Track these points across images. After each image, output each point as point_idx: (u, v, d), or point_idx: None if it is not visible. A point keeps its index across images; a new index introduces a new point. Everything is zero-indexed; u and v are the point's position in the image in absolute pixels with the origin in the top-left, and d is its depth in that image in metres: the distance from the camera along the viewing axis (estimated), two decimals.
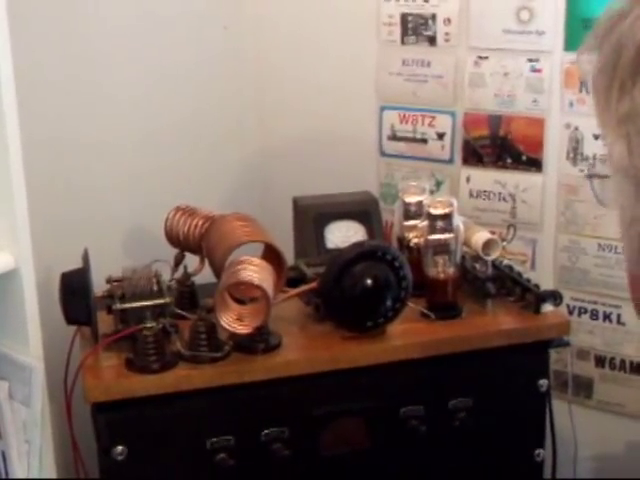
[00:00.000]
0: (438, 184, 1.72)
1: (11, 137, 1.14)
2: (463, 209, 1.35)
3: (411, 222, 1.41)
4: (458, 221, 1.33)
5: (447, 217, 1.32)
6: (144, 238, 1.61)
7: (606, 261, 1.58)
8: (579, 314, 1.62)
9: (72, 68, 1.53)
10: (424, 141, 1.72)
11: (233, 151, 1.81)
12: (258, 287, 1.20)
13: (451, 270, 1.33)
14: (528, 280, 1.39)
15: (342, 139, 1.78)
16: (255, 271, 1.21)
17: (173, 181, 1.68)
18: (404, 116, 1.73)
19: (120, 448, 1.20)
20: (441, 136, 1.70)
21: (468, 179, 1.69)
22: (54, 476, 1.25)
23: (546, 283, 1.54)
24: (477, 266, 1.40)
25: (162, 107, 1.68)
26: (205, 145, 1.76)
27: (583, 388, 1.64)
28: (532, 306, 1.35)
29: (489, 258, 1.37)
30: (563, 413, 1.48)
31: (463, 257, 1.38)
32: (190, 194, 1.51)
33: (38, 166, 1.28)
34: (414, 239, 1.39)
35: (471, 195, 1.69)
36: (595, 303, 1.61)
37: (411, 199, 1.43)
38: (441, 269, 1.33)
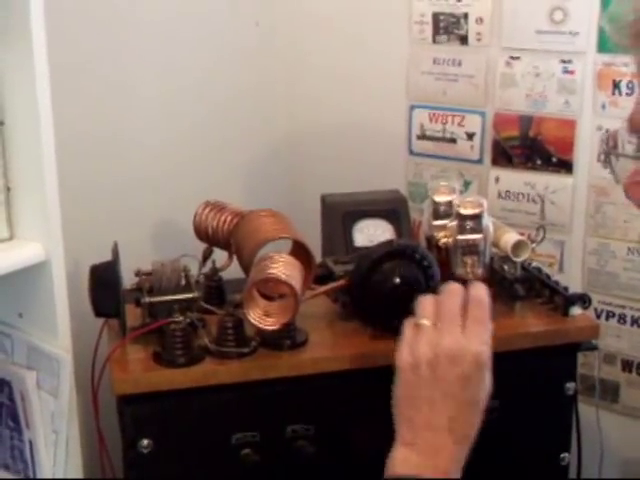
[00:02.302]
0: (466, 184, 1.71)
1: (45, 133, 1.15)
2: (491, 210, 1.34)
3: (440, 222, 1.40)
4: (488, 222, 1.32)
5: (477, 217, 1.31)
6: (173, 232, 1.62)
7: (635, 265, 1.57)
8: (607, 318, 1.61)
9: (104, 67, 1.54)
10: (453, 141, 1.72)
11: (262, 147, 1.81)
12: (286, 284, 1.20)
13: (480, 271, 1.32)
14: (557, 282, 1.38)
15: (371, 137, 1.78)
16: (284, 268, 1.21)
17: (202, 176, 1.69)
18: (434, 115, 1.73)
19: (146, 441, 1.20)
20: (471, 136, 1.70)
21: (497, 180, 1.69)
22: (80, 466, 1.26)
23: (574, 286, 1.54)
24: (506, 267, 1.39)
25: (192, 103, 1.68)
26: (233, 140, 1.76)
27: (609, 392, 1.63)
28: (560, 309, 1.34)
29: (518, 260, 1.36)
30: (589, 417, 1.47)
31: (492, 258, 1.37)
32: (218, 189, 1.51)
33: (70, 161, 1.28)
34: (443, 239, 1.38)
35: (500, 196, 1.68)
36: (623, 307, 1.60)
37: (441, 198, 1.41)
38: (470, 269, 1.32)
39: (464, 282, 1.32)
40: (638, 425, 1.61)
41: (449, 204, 1.40)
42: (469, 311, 1.08)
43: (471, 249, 1.31)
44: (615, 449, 1.56)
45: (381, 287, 1.24)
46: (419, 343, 1.06)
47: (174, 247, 1.39)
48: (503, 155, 1.67)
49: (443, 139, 1.73)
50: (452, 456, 1.04)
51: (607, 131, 1.54)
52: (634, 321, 1.59)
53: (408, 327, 1.10)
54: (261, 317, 1.22)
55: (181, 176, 1.67)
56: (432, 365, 1.05)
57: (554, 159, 1.62)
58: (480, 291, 1.10)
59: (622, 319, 1.61)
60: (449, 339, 1.05)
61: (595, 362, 1.57)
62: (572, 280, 1.59)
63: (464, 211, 1.31)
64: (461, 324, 1.07)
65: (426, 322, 1.08)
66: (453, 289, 1.11)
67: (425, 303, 1.10)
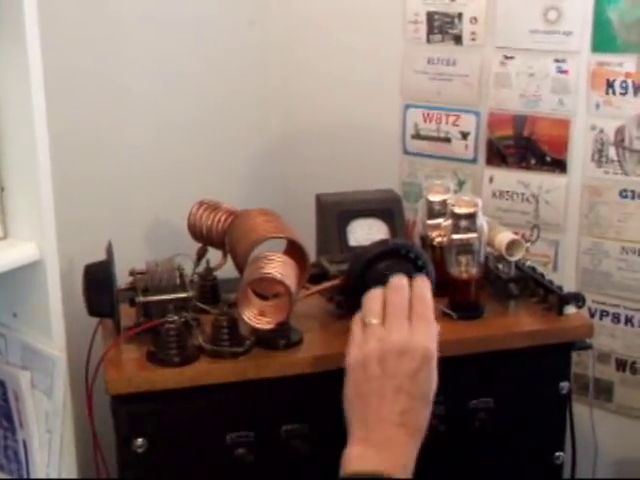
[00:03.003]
0: (460, 184, 1.71)
1: (39, 132, 1.15)
2: (485, 209, 1.34)
3: (435, 221, 1.41)
4: (482, 221, 1.32)
5: (471, 217, 1.31)
6: (167, 232, 1.62)
7: (629, 264, 1.57)
8: (600, 317, 1.62)
9: (97, 66, 1.53)
10: (448, 140, 1.72)
11: (256, 146, 1.81)
12: (281, 283, 1.20)
13: (474, 270, 1.32)
14: (551, 282, 1.38)
15: (365, 136, 1.78)
16: (278, 267, 1.21)
17: (196, 175, 1.68)
18: (428, 115, 1.73)
19: (140, 440, 1.20)
20: (465, 135, 1.70)
21: (491, 179, 1.69)
22: (74, 466, 1.26)
23: (568, 285, 1.53)
24: (500, 266, 1.39)
25: (186, 102, 1.68)
26: (228, 140, 1.76)
27: (603, 392, 1.63)
28: (555, 308, 1.34)
29: (513, 259, 1.37)
30: (583, 416, 1.48)
31: (486, 257, 1.37)
32: (212, 188, 1.51)
33: (64, 160, 1.28)
34: (437, 238, 1.38)
35: (494, 195, 1.68)
36: (617, 307, 1.60)
37: (435, 198, 1.42)
38: (464, 269, 1.32)
39: (456, 281, 1.33)
40: (632, 424, 1.61)
41: (443, 203, 1.41)
42: (413, 307, 1.11)
43: (466, 248, 1.32)
44: (609, 448, 1.56)
45: (376, 286, 1.24)
46: (367, 341, 1.09)
47: (168, 246, 1.38)
48: (497, 155, 1.67)
49: (437, 138, 1.73)
50: (406, 450, 1.05)
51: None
52: (628, 320, 1.60)
53: (356, 326, 1.13)
54: (256, 316, 1.22)
55: (175, 175, 1.66)
56: (381, 361, 1.08)
57: (548, 158, 1.62)
58: (423, 288, 1.13)
59: (616, 318, 1.61)
60: (397, 335, 1.08)
61: (589, 361, 1.57)
62: (566, 279, 1.60)
63: (458, 210, 1.32)
64: (407, 320, 1.10)
65: (373, 321, 1.11)
66: (398, 285, 1.13)
67: (371, 301, 1.13)
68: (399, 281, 1.14)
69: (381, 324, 1.10)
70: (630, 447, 1.60)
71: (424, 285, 1.14)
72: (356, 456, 1.04)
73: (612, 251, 1.59)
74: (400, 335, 1.08)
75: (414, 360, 1.07)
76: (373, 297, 1.13)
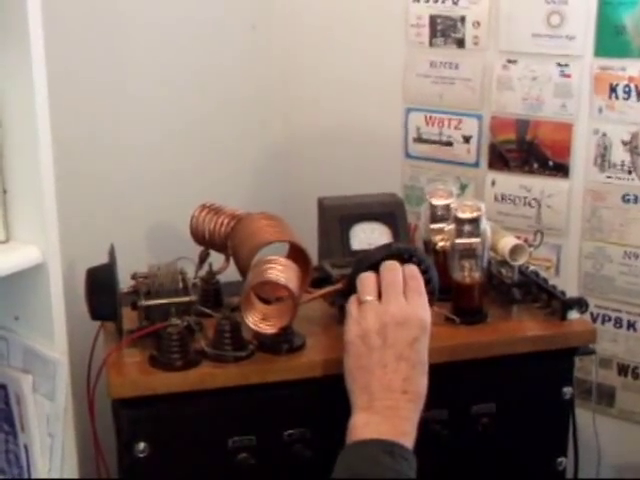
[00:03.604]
0: (463, 187, 1.71)
1: (42, 135, 1.15)
2: (487, 213, 1.34)
3: (438, 225, 1.40)
4: (486, 225, 1.32)
5: (475, 221, 1.31)
6: (169, 235, 1.61)
7: (631, 269, 1.57)
8: (602, 322, 1.61)
9: (100, 70, 1.53)
10: (450, 144, 1.72)
11: (257, 150, 1.81)
12: (284, 287, 1.19)
13: (477, 275, 1.32)
14: (554, 287, 1.38)
15: (367, 140, 1.78)
16: (282, 271, 1.21)
17: (198, 178, 1.68)
18: (430, 118, 1.73)
19: (142, 445, 1.19)
20: (467, 139, 1.70)
21: (493, 183, 1.69)
22: (75, 470, 1.25)
23: (570, 290, 1.53)
24: (503, 271, 1.39)
25: (188, 105, 1.68)
26: (230, 143, 1.76)
27: (605, 397, 1.63)
28: (558, 313, 1.34)
29: (516, 264, 1.36)
30: (585, 421, 1.47)
31: (489, 262, 1.37)
32: (214, 191, 1.50)
33: (66, 164, 1.28)
34: (440, 242, 1.38)
35: (496, 199, 1.68)
36: (619, 311, 1.60)
37: (438, 202, 1.42)
38: (467, 273, 1.32)
39: (459, 285, 1.33)
40: (634, 429, 1.61)
41: (447, 208, 1.40)
42: (407, 284, 1.17)
43: (469, 253, 1.31)
44: (611, 453, 1.56)
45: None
46: (366, 316, 1.15)
47: (171, 250, 1.38)
48: (499, 158, 1.67)
49: (439, 142, 1.73)
50: (409, 415, 1.11)
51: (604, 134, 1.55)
52: (630, 325, 1.60)
53: (352, 305, 1.18)
54: (259, 321, 1.21)
55: (178, 179, 1.66)
56: (381, 332, 1.13)
57: (550, 163, 1.62)
58: (414, 270, 1.20)
59: (618, 323, 1.61)
60: (395, 307, 1.14)
61: (592, 366, 1.57)
62: (568, 284, 1.60)
63: (462, 215, 1.31)
64: (402, 295, 1.16)
65: (369, 298, 1.16)
66: (392, 266, 1.19)
67: (366, 281, 1.18)
68: (392, 264, 1.20)
69: (377, 300, 1.16)
70: (632, 452, 1.60)
71: (414, 268, 1.20)
72: (361, 424, 1.09)
73: (614, 256, 1.59)
74: (398, 307, 1.14)
75: (412, 329, 1.14)
76: (367, 278, 1.19)
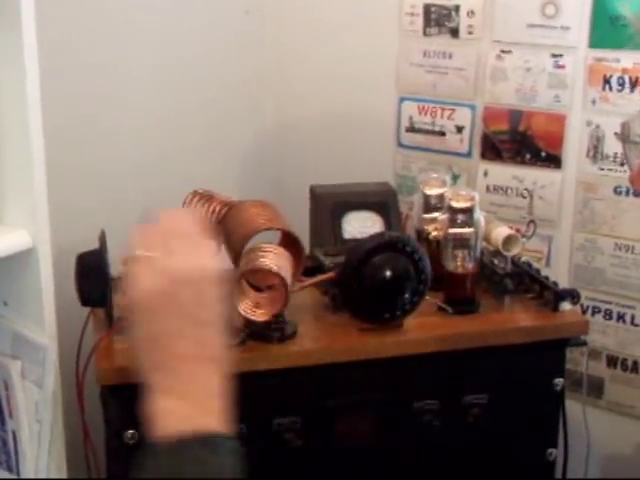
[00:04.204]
0: (455, 178, 1.70)
1: (33, 121, 1.13)
2: (479, 204, 1.34)
3: (431, 215, 1.40)
4: (479, 215, 1.31)
5: (468, 211, 1.31)
6: None
7: (622, 261, 1.57)
8: (593, 313, 1.61)
9: (93, 56, 1.52)
10: (442, 134, 1.71)
11: (249, 137, 1.80)
12: (276, 275, 1.19)
13: (470, 265, 1.32)
14: (547, 278, 1.38)
15: (360, 128, 1.77)
16: (274, 258, 1.20)
17: (189, 165, 1.67)
18: (423, 108, 1.72)
19: (131, 432, 1.19)
20: (460, 129, 1.69)
21: (486, 173, 1.68)
22: (63, 456, 1.24)
23: (561, 281, 1.53)
24: (495, 261, 1.39)
25: (180, 91, 1.66)
26: (222, 130, 1.75)
27: (594, 388, 1.63)
28: (550, 304, 1.34)
29: (509, 254, 1.36)
30: (574, 413, 1.47)
31: (482, 252, 1.36)
32: (206, 178, 1.49)
33: (57, 148, 1.26)
34: (433, 232, 1.38)
35: (488, 190, 1.68)
36: (609, 303, 1.60)
37: (432, 191, 1.41)
38: (460, 263, 1.32)
39: (452, 275, 1.32)
40: (623, 421, 1.61)
41: (440, 197, 1.40)
42: (186, 234, 0.94)
43: (462, 243, 1.31)
44: (601, 444, 1.56)
45: (372, 280, 1.24)
46: (146, 276, 0.91)
47: None
48: (492, 149, 1.66)
49: (432, 132, 1.72)
50: (215, 389, 0.90)
51: (596, 127, 1.54)
52: (620, 317, 1.60)
53: (132, 264, 0.93)
54: (251, 308, 1.21)
55: (169, 165, 1.65)
56: (166, 294, 0.91)
57: (543, 154, 1.62)
58: (187, 216, 0.98)
59: (608, 315, 1.61)
60: (175, 261, 0.92)
61: (582, 358, 1.57)
62: (559, 275, 1.59)
63: (456, 204, 1.31)
64: (182, 247, 0.93)
65: (147, 253, 0.92)
66: (168, 215, 0.94)
67: (144, 233, 0.93)
68: (167, 213, 0.95)
69: (155, 255, 0.91)
70: (621, 443, 1.60)
71: (188, 215, 1.02)
72: (166, 412, 0.88)
73: (606, 248, 1.58)
74: (179, 260, 0.92)
75: (198, 284, 0.91)
76: (144, 228, 0.94)
